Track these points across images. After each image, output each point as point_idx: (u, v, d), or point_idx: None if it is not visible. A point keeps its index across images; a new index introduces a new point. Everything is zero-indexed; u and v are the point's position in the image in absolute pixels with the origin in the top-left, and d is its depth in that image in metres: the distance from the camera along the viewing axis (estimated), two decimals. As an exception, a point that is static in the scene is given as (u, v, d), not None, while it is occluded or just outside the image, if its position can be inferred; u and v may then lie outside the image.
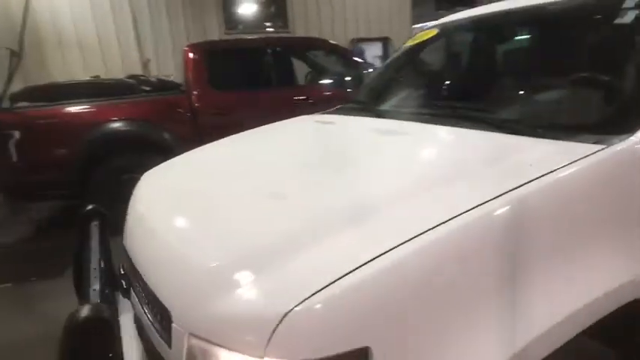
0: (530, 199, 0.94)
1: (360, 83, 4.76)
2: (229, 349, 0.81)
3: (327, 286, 0.77)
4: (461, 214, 0.88)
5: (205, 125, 4.36)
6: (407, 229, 0.85)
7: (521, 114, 1.44)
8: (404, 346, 0.78)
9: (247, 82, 4.77)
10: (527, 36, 1.73)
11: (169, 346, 0.93)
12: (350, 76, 4.82)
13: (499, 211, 0.91)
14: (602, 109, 1.30)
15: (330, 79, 4.97)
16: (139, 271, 1.14)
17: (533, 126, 1.29)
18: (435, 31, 2.27)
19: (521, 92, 1.56)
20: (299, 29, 8.32)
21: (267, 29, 8.26)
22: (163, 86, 4.61)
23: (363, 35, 8.95)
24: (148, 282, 1.05)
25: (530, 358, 0.85)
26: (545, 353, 0.88)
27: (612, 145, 1.10)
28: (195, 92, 4.36)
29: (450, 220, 0.87)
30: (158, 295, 0.98)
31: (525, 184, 0.96)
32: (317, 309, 0.75)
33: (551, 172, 1.00)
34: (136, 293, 1.21)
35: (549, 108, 1.44)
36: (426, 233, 0.84)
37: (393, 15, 9.31)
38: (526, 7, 1.70)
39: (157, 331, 1.01)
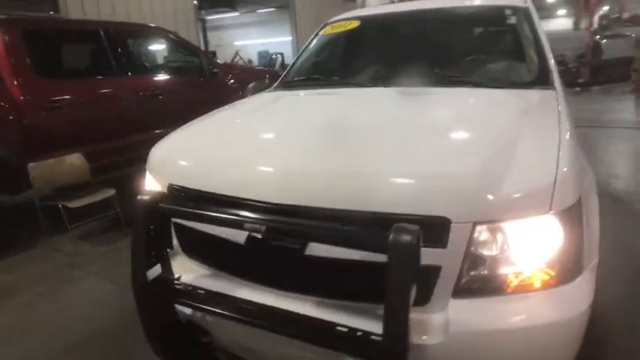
0: (562, 112, 1.62)
1: (204, 72, 4.79)
2: (518, 217, 1.16)
3: (558, 162, 1.23)
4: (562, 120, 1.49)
5: (35, 122, 3.53)
6: (555, 134, 1.39)
7: (492, 76, 2.15)
8: (584, 190, 1.32)
9: (84, 70, 4.07)
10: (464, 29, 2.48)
11: (444, 246, 1.16)
12: (196, 65, 4.80)
13: (564, 118, 1.56)
14: (532, 73, 2.12)
15: (176, 68, 4.80)
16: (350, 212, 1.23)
17: (510, 82, 2.04)
18: (357, 22, 2.78)
19: (478, 64, 2.27)
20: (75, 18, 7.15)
21: (33, 13, 6.75)
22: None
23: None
24: (398, 212, 1.17)
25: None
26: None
27: (552, 90, 1.92)
28: (16, 81, 3.45)
29: (562, 123, 1.46)
30: (427, 212, 1.15)
31: (559, 106, 1.65)
32: (564, 177, 1.20)
33: (557, 101, 1.73)
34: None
35: (504, 73, 2.20)
36: (565, 133, 1.40)
37: (178, 11, 9.12)
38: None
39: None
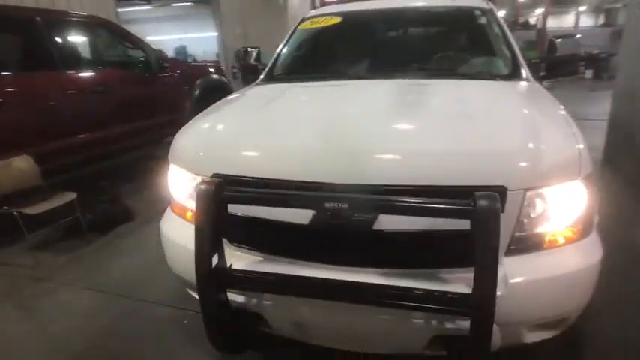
0: (553, 99, 1.92)
1: (153, 66, 4.55)
2: (556, 183, 1.39)
3: (576, 137, 1.49)
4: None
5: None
6: (560, 115, 1.67)
7: (479, 70, 2.41)
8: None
9: (22, 63, 3.65)
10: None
11: (502, 211, 1.34)
12: (145, 59, 4.56)
13: (557, 103, 1.86)
14: (509, 67, 2.42)
15: (125, 62, 4.54)
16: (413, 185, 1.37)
17: (492, 75, 2.31)
18: (338, 18, 2.91)
19: (464, 59, 2.53)
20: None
21: None
22: None
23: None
24: (465, 184, 1.33)
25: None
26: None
27: (525, 80, 2.25)
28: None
29: (559, 107, 1.76)
30: (488, 183, 1.33)
31: (547, 93, 1.95)
32: (584, 148, 1.46)
33: (544, 91, 2.04)
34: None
35: (488, 66, 2.48)
36: (566, 114, 1.69)
37: (97, 1, 8.45)
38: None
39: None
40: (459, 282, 1.36)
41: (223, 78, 5.88)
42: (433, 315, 1.41)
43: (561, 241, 1.48)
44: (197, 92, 5.19)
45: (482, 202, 1.20)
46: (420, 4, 2.88)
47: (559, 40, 2.75)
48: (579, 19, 22.12)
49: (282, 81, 2.63)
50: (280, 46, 2.99)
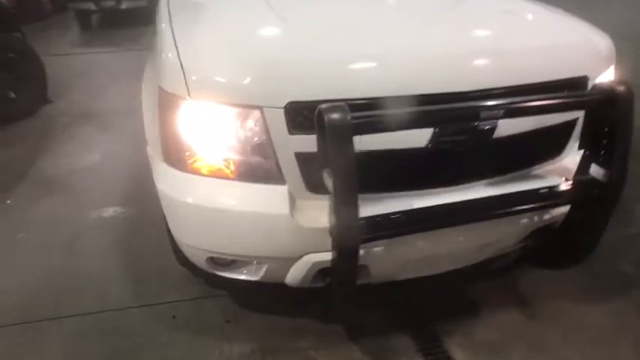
0: None
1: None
2: (606, 70, 1.54)
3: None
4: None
5: None
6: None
7: None
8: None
9: None
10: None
11: None
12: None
13: None
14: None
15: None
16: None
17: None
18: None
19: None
20: None
21: None
22: None
23: None
24: (558, 78, 1.36)
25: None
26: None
27: None
28: None
29: None
30: (573, 73, 1.38)
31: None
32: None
33: None
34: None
35: None
36: None
37: None
38: None
39: None
40: (553, 174, 1.47)
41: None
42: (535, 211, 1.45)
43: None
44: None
45: (621, 89, 1.23)
46: None
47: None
48: None
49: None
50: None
